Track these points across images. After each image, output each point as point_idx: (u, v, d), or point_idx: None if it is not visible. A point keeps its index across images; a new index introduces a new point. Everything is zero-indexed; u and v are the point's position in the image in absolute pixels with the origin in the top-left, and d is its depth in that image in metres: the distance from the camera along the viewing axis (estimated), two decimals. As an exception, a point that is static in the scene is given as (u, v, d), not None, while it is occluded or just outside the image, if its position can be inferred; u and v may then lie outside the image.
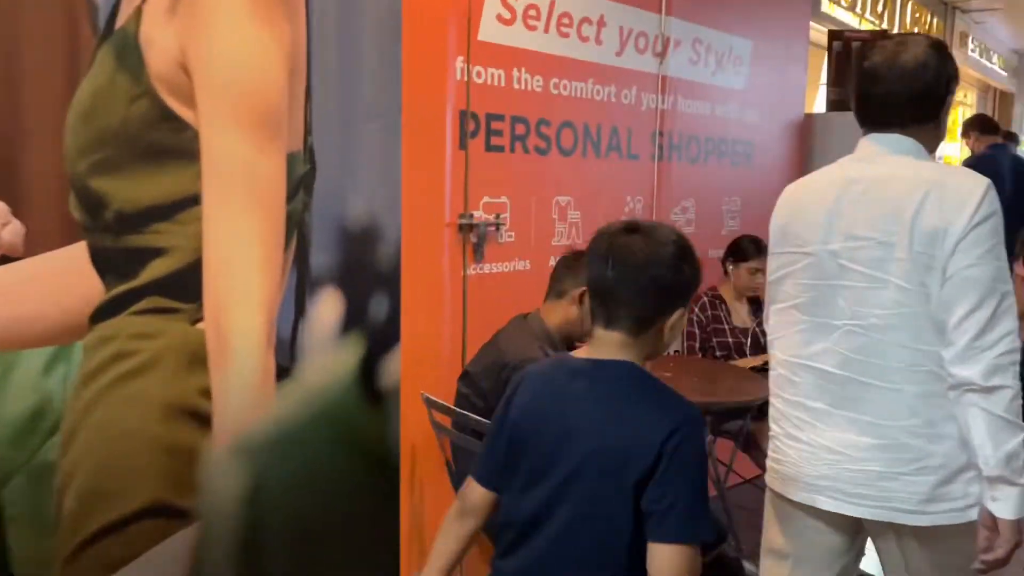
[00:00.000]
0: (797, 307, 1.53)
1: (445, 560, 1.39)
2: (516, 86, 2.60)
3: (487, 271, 2.56)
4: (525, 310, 2.37)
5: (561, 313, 2.28)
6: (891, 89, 1.45)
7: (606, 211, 2.98)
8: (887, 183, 1.43)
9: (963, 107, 9.41)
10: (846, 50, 4.45)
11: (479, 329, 2.45)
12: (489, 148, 2.54)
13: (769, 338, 1.64)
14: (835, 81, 4.43)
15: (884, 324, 1.40)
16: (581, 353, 1.36)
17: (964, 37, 8.17)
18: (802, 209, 1.54)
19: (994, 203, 1.37)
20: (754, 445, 2.82)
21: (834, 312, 1.46)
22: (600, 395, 1.28)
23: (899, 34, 1.54)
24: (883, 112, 1.47)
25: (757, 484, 3.17)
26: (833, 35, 4.53)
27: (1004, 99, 10.05)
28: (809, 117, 4.19)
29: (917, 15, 6.89)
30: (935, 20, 7.36)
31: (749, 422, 2.79)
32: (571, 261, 2.33)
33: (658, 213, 3.18)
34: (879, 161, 1.46)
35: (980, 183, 1.39)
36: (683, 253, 1.30)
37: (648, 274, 1.26)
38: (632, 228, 1.31)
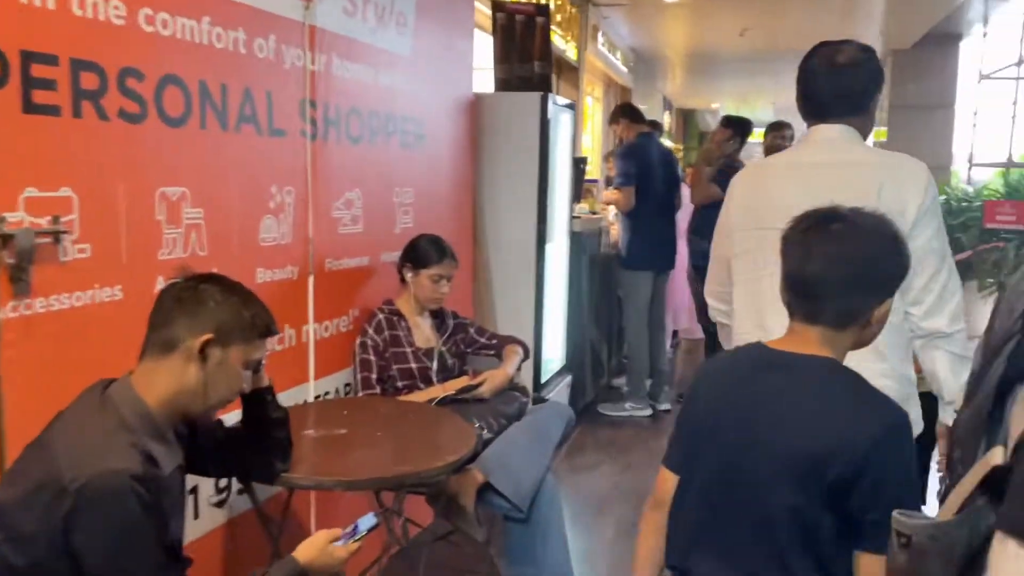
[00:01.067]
0: (768, 277, 1.60)
1: (657, 557, 1.37)
2: (78, 12, 1.62)
3: (40, 309, 1.56)
4: (114, 372, 1.45)
5: (171, 378, 1.40)
6: (830, 86, 1.70)
7: (242, 207, 2.12)
8: (852, 166, 1.68)
9: (592, 99, 9.97)
10: (509, 23, 4.06)
11: (29, 413, 1.47)
12: (31, 109, 1.53)
13: (719, 308, 1.90)
14: (502, 57, 4.01)
15: None
16: (777, 344, 1.30)
17: (595, 30, 8.54)
18: (766, 191, 1.74)
19: (935, 184, 1.68)
20: (455, 507, 2.20)
21: None
22: (798, 392, 1.24)
23: (834, 41, 1.75)
24: (825, 107, 1.71)
25: (450, 540, 2.59)
26: (496, 7, 4.11)
27: (625, 95, 10.89)
28: (478, 97, 3.72)
29: (559, 1, 6.92)
30: (573, 9, 7.52)
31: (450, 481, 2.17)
32: (184, 291, 1.46)
33: (315, 207, 2.40)
34: (838, 148, 1.70)
35: (924, 167, 1.68)
36: (898, 241, 1.27)
37: (862, 266, 1.23)
38: (836, 216, 1.26)
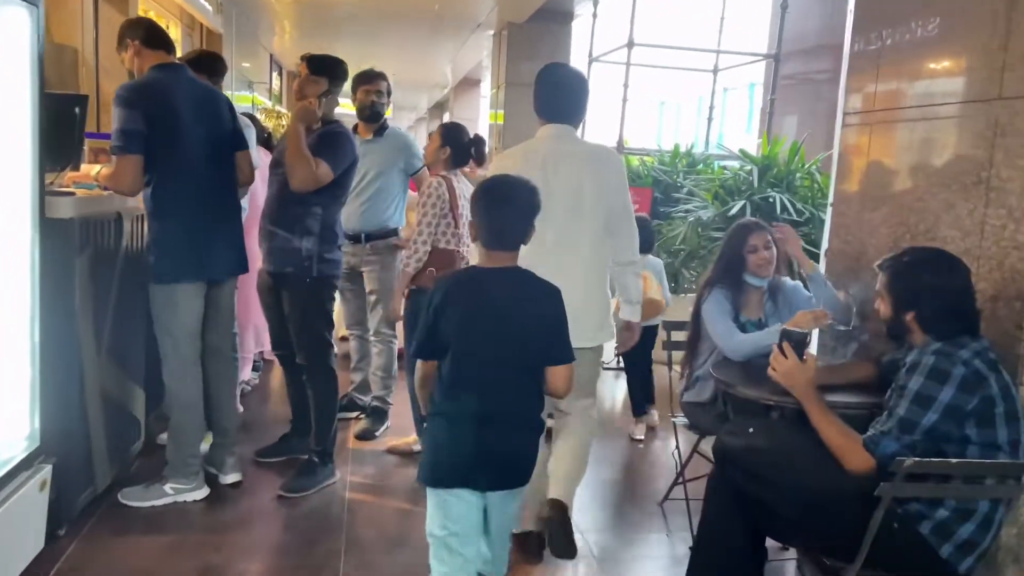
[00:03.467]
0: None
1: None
2: None
3: None
4: None
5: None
6: (579, 97, 2.78)
7: None
8: (587, 155, 2.73)
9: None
10: None
11: None
12: None
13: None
14: None
15: (590, 242, 2.71)
16: (487, 264, 2.08)
17: (159, -56, 6.47)
18: (524, 170, 2.40)
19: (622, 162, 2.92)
20: None
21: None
22: (519, 288, 2.05)
23: (564, 64, 2.93)
24: (573, 111, 2.76)
25: None
26: None
27: (213, 39, 8.86)
28: None
29: None
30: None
31: None
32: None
33: None
34: (574, 141, 2.76)
35: (617, 153, 3.08)
36: (538, 191, 2.11)
37: (532, 212, 2.08)
38: (509, 184, 2.10)
